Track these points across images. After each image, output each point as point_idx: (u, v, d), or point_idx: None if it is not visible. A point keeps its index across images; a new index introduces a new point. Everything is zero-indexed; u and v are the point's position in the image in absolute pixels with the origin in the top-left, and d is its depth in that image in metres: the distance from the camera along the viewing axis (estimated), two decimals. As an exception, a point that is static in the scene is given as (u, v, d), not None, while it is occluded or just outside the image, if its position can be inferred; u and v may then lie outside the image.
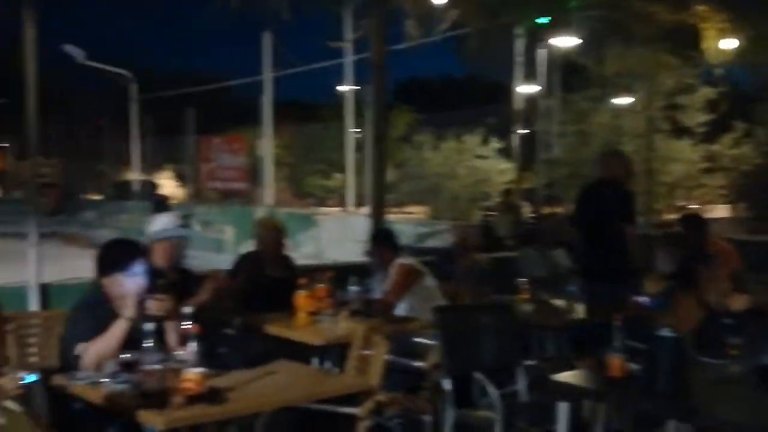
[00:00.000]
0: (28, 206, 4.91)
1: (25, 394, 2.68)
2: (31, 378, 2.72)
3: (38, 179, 5.74)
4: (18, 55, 4.79)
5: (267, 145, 19.93)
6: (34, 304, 4.77)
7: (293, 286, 4.63)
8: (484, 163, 19.30)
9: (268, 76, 19.30)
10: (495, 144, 19.38)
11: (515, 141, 16.44)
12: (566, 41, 13.81)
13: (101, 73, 26.07)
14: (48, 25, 4.87)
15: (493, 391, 3.81)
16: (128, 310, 3.37)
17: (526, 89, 16.66)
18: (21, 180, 33.13)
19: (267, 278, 5.02)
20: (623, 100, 17.21)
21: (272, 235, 5.20)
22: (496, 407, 3.80)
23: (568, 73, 17.21)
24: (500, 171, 18.89)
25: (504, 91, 17.82)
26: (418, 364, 4.27)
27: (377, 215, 6.64)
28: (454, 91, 33.49)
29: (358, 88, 18.69)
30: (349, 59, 18.07)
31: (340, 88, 20.19)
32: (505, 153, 18.50)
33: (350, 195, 18.81)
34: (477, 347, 4.09)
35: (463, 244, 5.98)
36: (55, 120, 25.04)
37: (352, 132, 19.07)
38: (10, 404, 2.41)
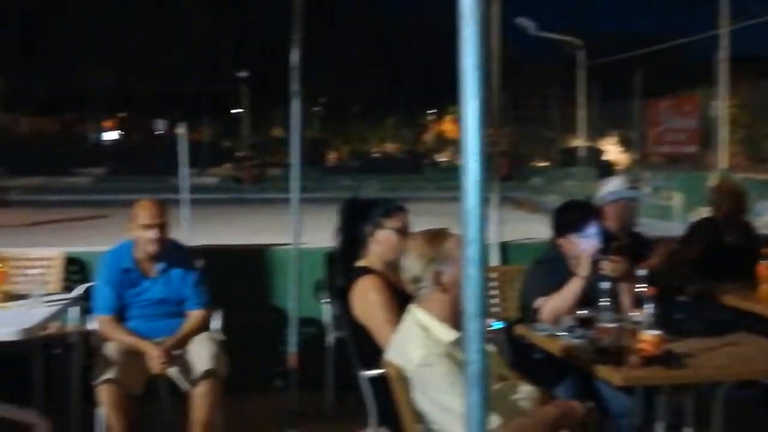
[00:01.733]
0: (490, 173, 5.35)
1: (492, 339, 2.98)
2: (498, 325, 3.03)
3: (495, 147, 6.21)
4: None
5: (721, 106, 18.48)
6: (495, 260, 5.22)
7: (754, 255, 4.27)
8: None
9: (724, 30, 17.83)
10: None
11: None
12: None
13: (550, 42, 26.95)
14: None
15: None
16: (583, 269, 3.50)
17: None
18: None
19: (724, 246, 4.73)
20: None
21: (731, 199, 4.87)
22: None
23: None
24: None
25: None
26: None
27: None
28: None
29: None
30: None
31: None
32: None
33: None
34: None
35: None
36: (508, 90, 26.72)
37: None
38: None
